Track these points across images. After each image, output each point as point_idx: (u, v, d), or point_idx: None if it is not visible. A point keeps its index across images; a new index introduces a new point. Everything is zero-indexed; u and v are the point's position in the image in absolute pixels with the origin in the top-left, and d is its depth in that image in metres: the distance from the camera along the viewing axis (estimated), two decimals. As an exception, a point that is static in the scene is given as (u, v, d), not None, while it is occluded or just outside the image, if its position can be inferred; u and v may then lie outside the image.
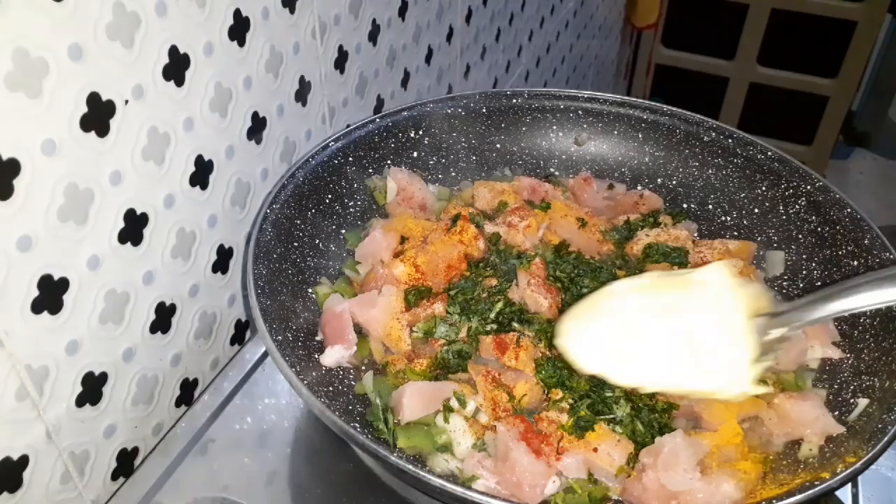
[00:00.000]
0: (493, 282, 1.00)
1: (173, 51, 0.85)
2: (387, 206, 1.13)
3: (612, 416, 0.85)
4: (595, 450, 0.82)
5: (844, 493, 0.91)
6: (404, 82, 1.42)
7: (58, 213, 0.75)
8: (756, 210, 1.13)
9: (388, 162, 1.15)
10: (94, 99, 0.75)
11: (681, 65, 3.53)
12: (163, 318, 0.94)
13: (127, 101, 0.80)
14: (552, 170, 1.25)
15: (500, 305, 0.96)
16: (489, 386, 0.87)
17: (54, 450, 0.82)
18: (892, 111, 3.82)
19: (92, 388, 0.85)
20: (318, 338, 0.95)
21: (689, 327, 0.74)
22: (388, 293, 0.96)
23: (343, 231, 1.09)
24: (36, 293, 0.75)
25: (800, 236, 1.08)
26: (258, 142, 1.04)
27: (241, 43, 0.96)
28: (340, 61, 1.19)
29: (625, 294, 0.77)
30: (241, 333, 1.13)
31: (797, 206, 1.09)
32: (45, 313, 0.76)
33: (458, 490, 0.71)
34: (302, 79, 1.10)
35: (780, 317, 0.75)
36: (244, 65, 0.97)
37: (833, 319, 0.96)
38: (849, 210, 1.02)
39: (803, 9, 3.18)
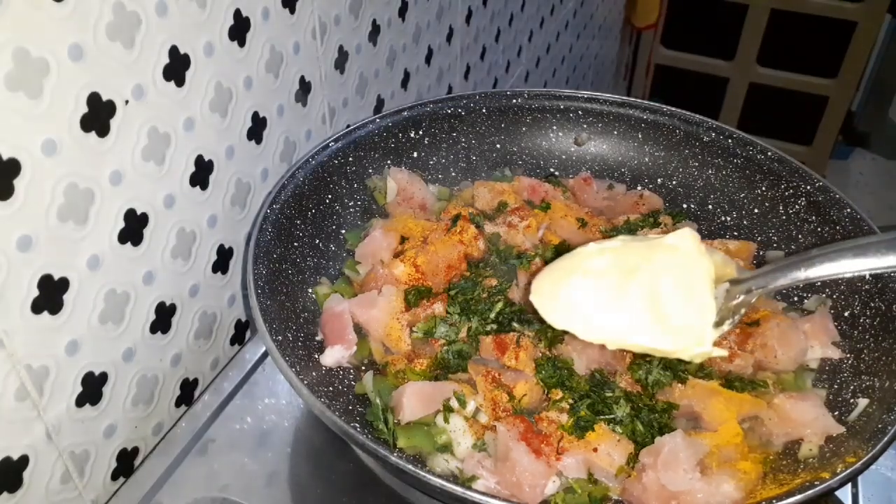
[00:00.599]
0: (493, 282, 1.00)
1: (173, 51, 0.85)
2: (387, 206, 1.13)
3: (612, 416, 0.85)
4: (595, 450, 0.82)
5: (844, 493, 0.91)
6: (404, 82, 1.42)
7: (58, 213, 0.75)
8: (756, 210, 1.13)
9: (388, 162, 1.15)
10: (94, 99, 0.75)
11: (681, 65, 3.53)
12: (163, 318, 0.94)
13: (127, 102, 0.80)
14: (552, 170, 1.25)
15: (500, 305, 0.96)
16: (489, 386, 0.87)
17: (54, 450, 0.82)
18: (892, 111, 3.82)
19: (92, 388, 0.85)
20: (318, 338, 0.95)
21: (653, 288, 0.77)
22: (388, 293, 0.96)
23: (343, 231, 1.09)
24: (36, 293, 0.75)
25: (800, 236, 1.08)
26: (258, 142, 1.04)
27: (241, 43, 0.96)
28: (340, 61, 1.19)
29: (595, 255, 0.81)
30: (241, 333, 1.13)
31: (797, 206, 1.09)
32: (45, 313, 0.76)
33: (458, 490, 0.71)
34: (302, 79, 1.10)
35: (743, 283, 0.79)
36: (244, 65, 0.97)
37: (833, 319, 0.96)
38: (849, 210, 1.02)
39: (803, 9, 3.18)
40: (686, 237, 0.79)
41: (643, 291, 0.77)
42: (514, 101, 1.22)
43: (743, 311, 0.78)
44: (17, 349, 0.74)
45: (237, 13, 0.93)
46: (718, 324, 0.78)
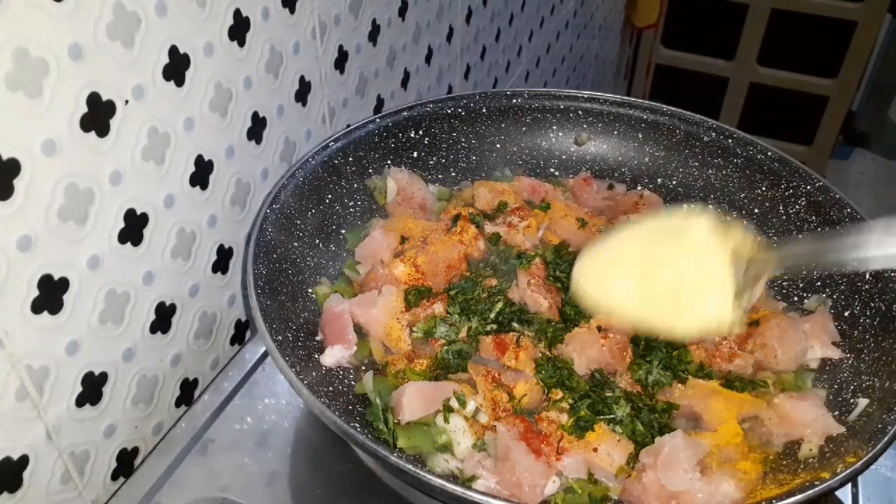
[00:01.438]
0: (493, 282, 1.00)
1: (173, 51, 0.85)
2: (387, 206, 1.13)
3: (612, 416, 0.85)
4: (595, 450, 0.82)
5: (844, 493, 0.91)
6: (404, 82, 1.42)
7: (58, 213, 0.75)
8: (756, 210, 1.13)
9: (388, 162, 1.15)
10: (94, 99, 0.75)
11: (681, 65, 3.52)
12: (163, 318, 0.94)
13: (127, 101, 0.80)
14: (552, 170, 1.25)
15: (500, 305, 0.96)
16: (489, 386, 0.87)
17: (54, 450, 0.82)
18: (892, 111, 3.82)
19: (92, 388, 0.85)
20: (318, 338, 0.95)
21: (676, 279, 0.85)
22: (388, 293, 0.96)
23: (343, 231, 1.09)
24: (36, 293, 0.75)
25: (800, 236, 1.08)
26: (258, 142, 1.04)
27: (241, 43, 0.96)
28: (340, 61, 1.19)
29: (628, 242, 0.89)
30: (241, 333, 1.13)
31: (797, 206, 1.09)
32: (45, 313, 0.76)
33: (458, 490, 0.71)
34: (302, 79, 1.10)
35: (762, 258, 0.84)
36: (244, 65, 0.97)
37: (833, 319, 0.96)
38: (849, 210, 1.02)
39: (803, 9, 3.18)
40: (701, 225, 0.85)
41: (668, 283, 0.85)
42: (514, 101, 1.22)
43: (763, 281, 0.84)
44: (17, 349, 0.74)
45: (237, 13, 0.93)
46: (739, 294, 0.83)
